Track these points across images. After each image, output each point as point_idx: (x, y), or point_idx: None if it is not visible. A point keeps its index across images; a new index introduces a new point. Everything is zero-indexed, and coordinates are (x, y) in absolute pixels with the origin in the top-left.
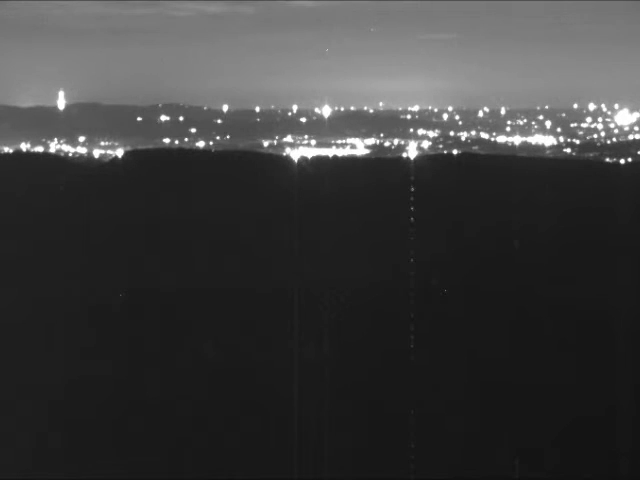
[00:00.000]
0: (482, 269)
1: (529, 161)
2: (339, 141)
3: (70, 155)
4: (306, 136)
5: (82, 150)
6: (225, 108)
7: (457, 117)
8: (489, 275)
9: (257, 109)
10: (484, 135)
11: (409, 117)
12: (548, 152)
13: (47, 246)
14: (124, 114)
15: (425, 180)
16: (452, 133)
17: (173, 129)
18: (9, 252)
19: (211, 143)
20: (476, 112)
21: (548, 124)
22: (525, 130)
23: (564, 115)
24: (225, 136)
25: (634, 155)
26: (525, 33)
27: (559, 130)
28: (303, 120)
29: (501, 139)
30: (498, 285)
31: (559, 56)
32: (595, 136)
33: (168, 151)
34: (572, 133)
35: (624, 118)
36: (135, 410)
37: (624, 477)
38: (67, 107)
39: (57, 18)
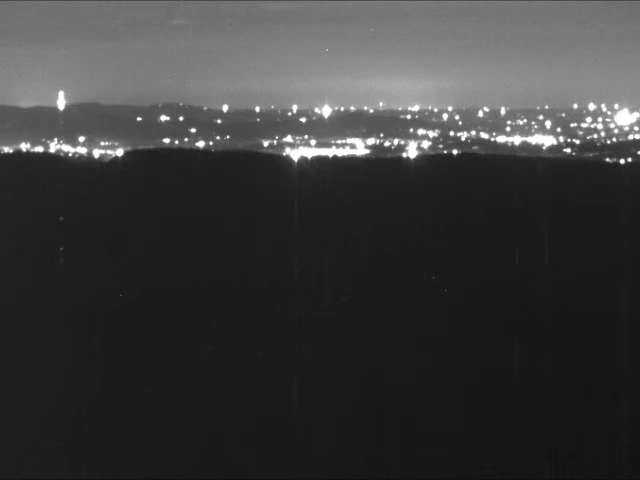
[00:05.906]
0: (482, 269)
1: (529, 161)
2: (339, 141)
3: (70, 155)
4: (306, 136)
5: (82, 150)
6: (225, 108)
7: (457, 117)
8: (489, 275)
9: (257, 109)
10: (484, 135)
11: (409, 117)
12: (548, 152)
13: (46, 246)
14: (124, 114)
15: (425, 180)
16: (452, 133)
17: (173, 129)
18: (8, 252)
19: (211, 143)
20: (476, 112)
21: (548, 124)
22: (525, 130)
23: (564, 115)
24: (225, 136)
25: (634, 155)
26: (525, 33)
27: (559, 130)
28: (303, 120)
29: (501, 139)
30: (498, 284)
31: (559, 56)
32: (595, 136)
33: (168, 151)
34: (572, 133)
35: (624, 118)
36: (134, 410)
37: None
38: (67, 107)
39: (58, 18)
